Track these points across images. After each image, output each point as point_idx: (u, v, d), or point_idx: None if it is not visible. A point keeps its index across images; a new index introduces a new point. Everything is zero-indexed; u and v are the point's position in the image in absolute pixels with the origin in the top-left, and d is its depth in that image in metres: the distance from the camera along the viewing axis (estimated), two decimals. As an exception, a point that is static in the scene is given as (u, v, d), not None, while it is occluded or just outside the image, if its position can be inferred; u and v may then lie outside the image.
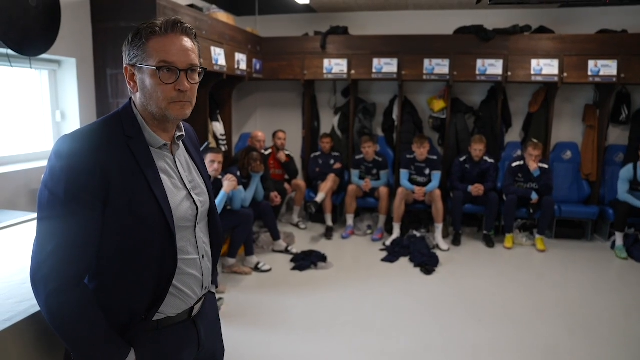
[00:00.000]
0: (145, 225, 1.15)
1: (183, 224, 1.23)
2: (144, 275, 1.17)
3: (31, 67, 3.12)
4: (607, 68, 4.94)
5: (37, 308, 1.24)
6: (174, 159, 1.26)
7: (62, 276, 1.08)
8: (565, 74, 5.02)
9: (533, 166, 4.83)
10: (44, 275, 1.08)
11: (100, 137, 1.15)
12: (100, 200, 1.10)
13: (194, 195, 1.27)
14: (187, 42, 1.19)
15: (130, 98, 1.24)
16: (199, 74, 1.22)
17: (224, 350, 1.49)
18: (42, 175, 3.15)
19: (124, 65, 1.21)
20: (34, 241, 1.12)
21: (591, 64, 4.97)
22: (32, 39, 2.83)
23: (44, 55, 3.05)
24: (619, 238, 4.71)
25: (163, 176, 1.20)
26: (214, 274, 1.42)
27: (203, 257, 1.31)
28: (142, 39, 1.16)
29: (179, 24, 1.18)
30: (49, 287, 1.07)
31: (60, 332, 1.10)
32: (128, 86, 1.22)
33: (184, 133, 1.30)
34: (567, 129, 5.62)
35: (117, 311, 1.17)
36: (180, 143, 1.31)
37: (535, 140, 5.00)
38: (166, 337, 1.23)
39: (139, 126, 1.20)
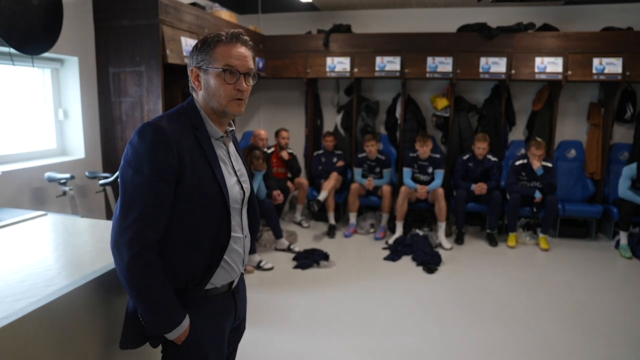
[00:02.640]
0: (208, 202, 1.37)
1: (234, 206, 1.44)
2: (202, 246, 1.39)
3: (33, 66, 3.13)
4: (612, 66, 4.91)
5: (34, 307, 1.24)
6: (227, 149, 1.49)
7: (144, 241, 1.28)
8: (569, 72, 4.99)
9: (536, 165, 4.81)
10: (129, 239, 1.27)
11: (176, 125, 1.36)
12: (175, 177, 1.31)
13: (242, 182, 1.49)
14: (247, 51, 1.42)
15: (192, 95, 1.46)
16: (254, 77, 1.44)
17: (245, 326, 1.73)
18: (49, 172, 3.21)
19: (189, 68, 1.43)
20: (117, 210, 1.31)
21: (596, 61, 4.93)
22: (34, 37, 2.84)
23: (46, 54, 3.07)
24: (623, 237, 4.68)
25: (220, 163, 1.42)
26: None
27: (246, 236, 1.53)
28: (210, 46, 1.38)
29: (240, 35, 1.41)
30: (133, 250, 1.27)
31: (136, 291, 1.30)
32: (192, 85, 1.44)
33: (234, 128, 1.54)
34: (571, 127, 5.59)
35: (177, 275, 1.37)
36: (231, 137, 1.53)
37: (538, 139, 4.96)
38: (212, 305, 1.45)
39: (202, 119, 1.43)
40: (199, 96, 1.44)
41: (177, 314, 1.35)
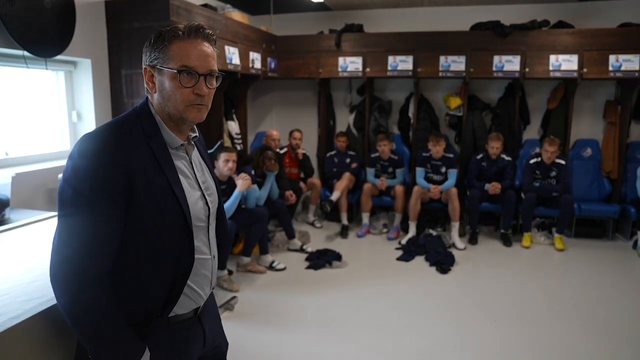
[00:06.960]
0: (165, 223, 1.18)
1: (198, 224, 1.26)
2: (162, 273, 1.20)
3: (47, 68, 3.17)
4: (629, 63, 4.80)
5: (45, 306, 1.26)
6: (189, 159, 1.29)
7: (86, 273, 1.08)
8: (585, 70, 4.90)
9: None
10: (68, 272, 1.08)
11: (123, 135, 1.16)
12: (124, 198, 1.12)
13: (206, 196, 1.30)
14: (208, 48, 1.22)
15: (147, 97, 1.26)
16: (217, 79, 1.25)
17: (227, 343, 1.53)
18: (61, 174, 3.14)
19: (143, 66, 1.23)
20: (55, 238, 1.11)
21: (612, 58, 4.83)
22: (47, 40, 2.88)
23: (59, 56, 3.10)
24: (641, 237, 4.59)
25: (180, 176, 1.23)
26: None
27: (214, 257, 1.34)
28: (165, 41, 1.18)
29: (201, 30, 1.20)
30: (73, 285, 1.08)
31: (80, 329, 1.11)
32: (146, 86, 1.24)
33: (197, 134, 1.32)
34: (587, 126, 5.49)
35: (134, 308, 1.19)
36: (194, 144, 1.33)
37: (552, 137, 4.90)
38: (176, 333, 1.26)
39: (157, 126, 1.22)
40: (153, 99, 1.23)
41: (133, 350, 1.16)
